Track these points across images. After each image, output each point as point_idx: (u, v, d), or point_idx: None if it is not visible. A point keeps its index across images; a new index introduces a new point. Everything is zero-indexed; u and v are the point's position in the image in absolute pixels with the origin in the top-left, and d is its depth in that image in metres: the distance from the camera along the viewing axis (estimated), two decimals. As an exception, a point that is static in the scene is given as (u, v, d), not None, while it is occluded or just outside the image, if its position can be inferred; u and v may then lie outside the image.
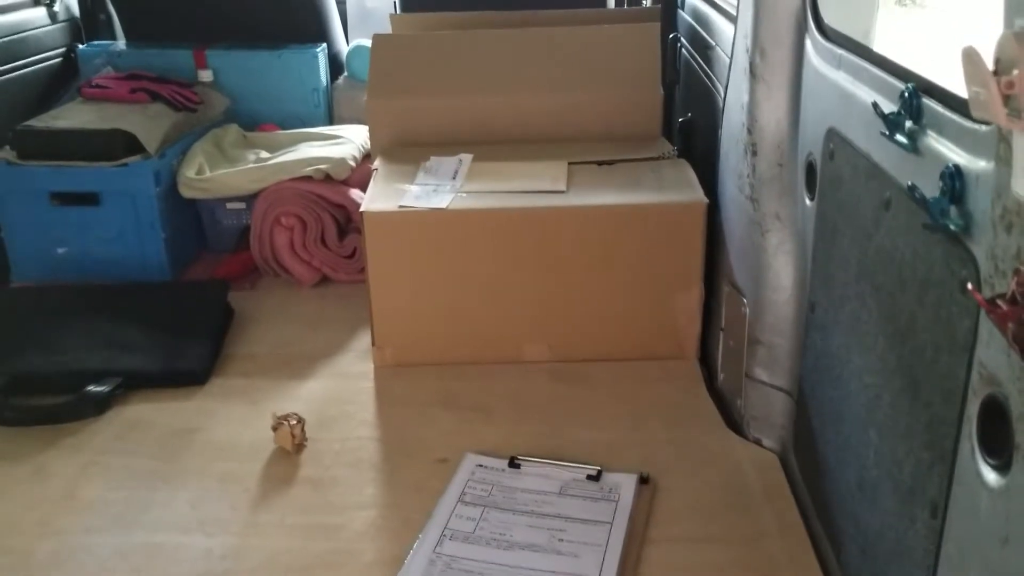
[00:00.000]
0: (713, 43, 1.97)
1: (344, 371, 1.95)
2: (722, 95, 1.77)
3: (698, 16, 2.20)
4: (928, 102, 0.99)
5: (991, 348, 0.80)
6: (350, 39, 3.13)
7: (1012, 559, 0.78)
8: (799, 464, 1.53)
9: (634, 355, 1.92)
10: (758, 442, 1.67)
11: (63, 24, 2.83)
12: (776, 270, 1.57)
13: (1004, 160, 0.74)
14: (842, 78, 1.28)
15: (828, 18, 1.42)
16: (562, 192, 1.90)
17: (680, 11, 2.46)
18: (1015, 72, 0.65)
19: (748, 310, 1.64)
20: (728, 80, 1.69)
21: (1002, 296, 0.74)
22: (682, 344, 1.93)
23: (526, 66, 2.23)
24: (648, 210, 1.86)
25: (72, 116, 2.43)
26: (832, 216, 1.32)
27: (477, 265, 1.88)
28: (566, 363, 1.92)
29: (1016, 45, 0.66)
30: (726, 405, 1.79)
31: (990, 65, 0.69)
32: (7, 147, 2.33)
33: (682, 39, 2.41)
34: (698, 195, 1.86)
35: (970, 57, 0.68)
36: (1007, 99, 0.67)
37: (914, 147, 1.00)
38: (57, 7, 2.80)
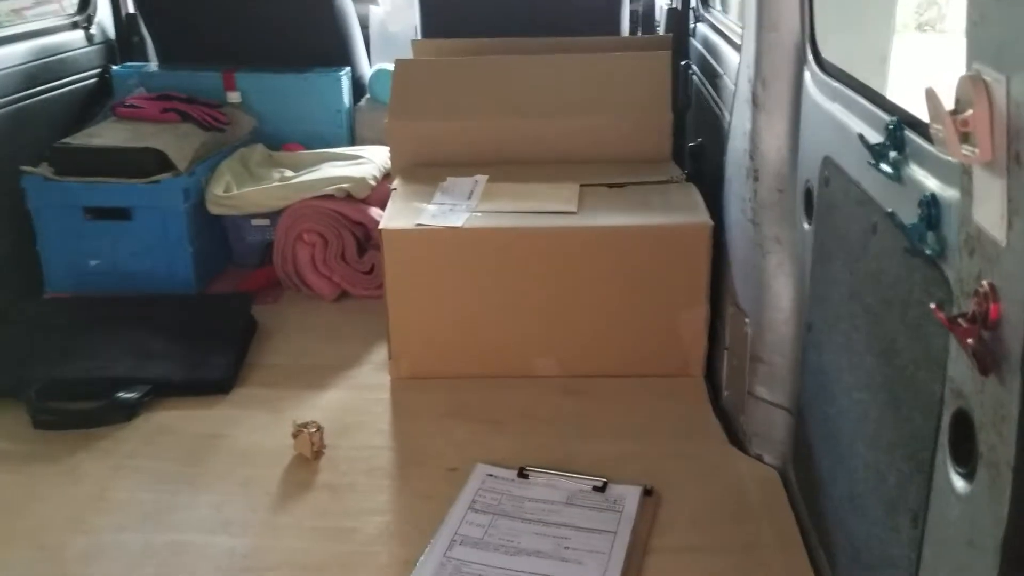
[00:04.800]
0: (721, 71, 2.04)
1: (361, 382, 2.02)
2: (727, 121, 1.84)
3: (708, 45, 2.27)
4: (910, 135, 1.06)
5: (958, 364, 0.86)
6: (373, 63, 3.22)
7: (977, 562, 0.83)
8: (798, 479, 1.58)
9: (641, 372, 1.98)
10: (759, 458, 1.71)
11: (99, 46, 2.94)
12: (776, 291, 1.63)
13: (967, 191, 0.81)
14: (837, 109, 1.34)
15: (838, 44, 1.48)
16: (573, 213, 1.97)
17: (692, 39, 2.53)
18: (969, 112, 0.72)
19: (750, 329, 1.70)
20: (732, 107, 1.76)
21: (964, 315, 0.80)
22: (688, 362, 1.99)
23: (541, 91, 2.31)
24: (656, 231, 1.93)
25: (106, 134, 2.52)
26: (827, 240, 1.38)
27: (490, 282, 1.95)
28: (575, 378, 1.98)
29: (971, 87, 0.73)
30: (730, 422, 1.84)
31: (949, 105, 0.75)
32: (45, 163, 2.43)
33: (693, 66, 2.48)
34: (704, 217, 1.93)
35: (930, 97, 0.75)
36: (964, 136, 0.74)
37: (898, 176, 1.07)
38: (94, 30, 2.91)
